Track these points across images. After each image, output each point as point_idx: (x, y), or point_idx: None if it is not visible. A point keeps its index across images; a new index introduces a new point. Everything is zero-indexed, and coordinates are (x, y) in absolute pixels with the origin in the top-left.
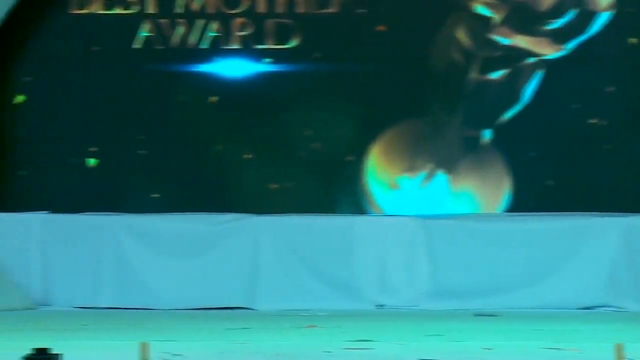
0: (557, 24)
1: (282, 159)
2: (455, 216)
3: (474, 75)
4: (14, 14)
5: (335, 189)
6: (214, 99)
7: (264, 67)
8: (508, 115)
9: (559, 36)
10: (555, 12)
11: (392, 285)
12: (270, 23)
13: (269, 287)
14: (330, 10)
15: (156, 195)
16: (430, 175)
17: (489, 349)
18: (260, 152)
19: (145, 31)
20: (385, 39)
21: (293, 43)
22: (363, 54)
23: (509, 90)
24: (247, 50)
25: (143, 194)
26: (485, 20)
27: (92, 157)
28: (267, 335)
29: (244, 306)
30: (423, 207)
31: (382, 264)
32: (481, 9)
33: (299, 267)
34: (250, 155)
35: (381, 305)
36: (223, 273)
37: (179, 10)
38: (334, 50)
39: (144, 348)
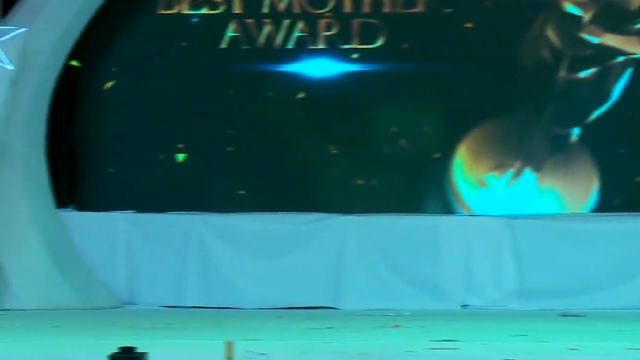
0: None
1: (368, 156)
2: (542, 216)
3: (562, 73)
4: (101, 14)
5: (421, 187)
6: (301, 95)
7: (349, 66)
8: (597, 113)
9: None
10: None
11: (478, 285)
12: (356, 23)
13: (353, 287)
14: (416, 9)
15: (242, 192)
16: (517, 174)
17: (574, 349)
18: (345, 150)
19: (231, 31)
20: (472, 38)
21: (379, 43)
22: (450, 53)
23: (598, 88)
24: (333, 50)
25: (230, 190)
26: (574, 19)
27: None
28: (351, 335)
29: (329, 306)
30: (510, 205)
31: (468, 263)
32: (571, 8)
33: (383, 267)
34: (335, 151)
35: (466, 305)
36: (308, 273)
37: (265, 10)
38: (421, 49)
39: (228, 347)
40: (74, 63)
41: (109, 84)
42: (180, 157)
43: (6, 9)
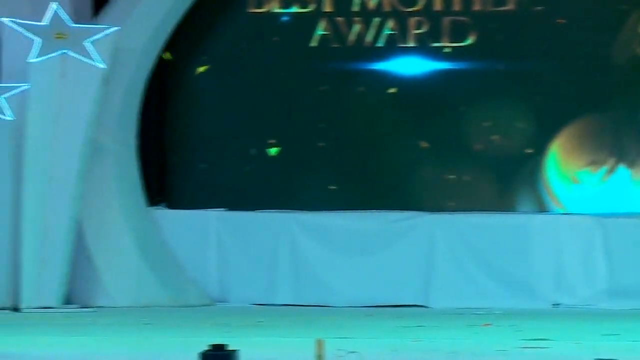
0: None
1: (460, 151)
2: (633, 215)
3: None
4: (192, 13)
5: (513, 182)
6: (392, 90)
7: (440, 64)
8: None
9: None
10: None
11: (569, 284)
12: (446, 21)
13: (443, 286)
14: (506, 7)
15: (333, 187)
16: (611, 170)
17: None
18: (437, 145)
19: (321, 29)
20: (564, 36)
21: (469, 40)
22: (542, 50)
23: None
24: (423, 48)
25: (321, 186)
26: None
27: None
28: (441, 333)
29: (419, 304)
30: (603, 202)
31: (559, 262)
32: None
33: (474, 265)
34: (426, 145)
35: (557, 304)
36: (398, 271)
37: (355, 8)
38: (512, 46)
39: (319, 345)
40: (167, 56)
41: (202, 69)
42: (273, 151)
43: (98, 9)
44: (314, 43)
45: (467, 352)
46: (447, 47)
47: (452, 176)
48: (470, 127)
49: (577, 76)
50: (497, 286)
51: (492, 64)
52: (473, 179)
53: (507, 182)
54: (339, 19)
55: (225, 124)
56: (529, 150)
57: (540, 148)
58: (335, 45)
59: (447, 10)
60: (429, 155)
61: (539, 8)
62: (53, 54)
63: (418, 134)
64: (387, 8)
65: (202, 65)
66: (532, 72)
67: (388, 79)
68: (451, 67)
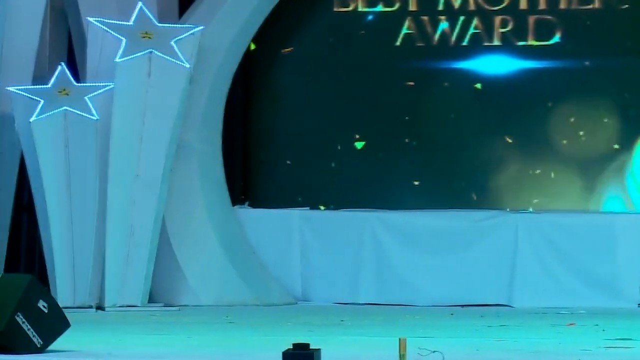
0: None
1: (544, 147)
2: None
3: None
4: (277, 12)
5: (600, 178)
6: (478, 85)
7: (526, 63)
8: None
9: None
10: None
11: None
12: (532, 19)
13: (527, 285)
14: (592, 5)
15: (417, 183)
16: None
17: None
18: (522, 142)
19: (406, 28)
20: None
21: (555, 39)
22: (627, 48)
23: None
24: (509, 46)
25: (405, 182)
26: None
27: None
28: (524, 332)
29: (502, 303)
30: None
31: None
32: None
33: (557, 265)
34: (510, 140)
35: None
36: (481, 270)
37: (440, 7)
38: (597, 45)
39: (402, 344)
40: (252, 47)
41: (288, 50)
42: (359, 145)
43: (184, 8)
44: (398, 42)
45: (550, 351)
46: (532, 45)
47: (537, 171)
48: (556, 124)
49: None
50: (582, 286)
51: (579, 61)
52: (557, 176)
53: (593, 178)
54: (424, 17)
55: (308, 122)
56: (616, 147)
57: (627, 144)
58: (420, 45)
59: (533, 8)
60: (514, 152)
61: (625, 6)
62: (139, 54)
63: (503, 131)
64: (472, 7)
65: (286, 76)
66: (618, 68)
67: (473, 76)
68: (537, 65)
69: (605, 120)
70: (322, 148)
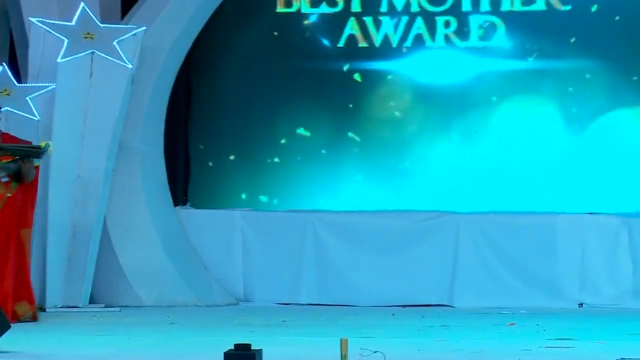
0: None
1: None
2: None
3: None
4: (218, 13)
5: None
6: (420, 84)
7: (468, 64)
8: None
9: None
10: None
11: (594, 284)
12: (474, 20)
13: (468, 285)
14: (535, 7)
15: (359, 179)
16: None
17: None
18: (465, 140)
19: (350, 29)
20: None
21: (499, 40)
22: (571, 49)
23: None
24: (452, 47)
25: (350, 178)
26: None
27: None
28: (466, 332)
29: (444, 304)
30: None
31: (584, 262)
32: None
33: (498, 265)
34: (454, 138)
35: (582, 304)
36: (423, 270)
37: (383, 8)
38: (541, 45)
39: (343, 344)
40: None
41: None
42: (303, 131)
43: (126, 9)
44: (342, 43)
45: (491, 351)
46: (477, 46)
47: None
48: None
49: None
50: (523, 286)
51: (522, 61)
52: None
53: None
54: (367, 18)
55: (251, 120)
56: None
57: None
58: (363, 45)
59: (476, 10)
60: (458, 150)
61: (568, 7)
62: (81, 54)
63: (447, 129)
64: (415, 8)
65: (225, 76)
66: (561, 68)
67: (416, 76)
68: (480, 65)
69: (548, 119)
70: (265, 144)
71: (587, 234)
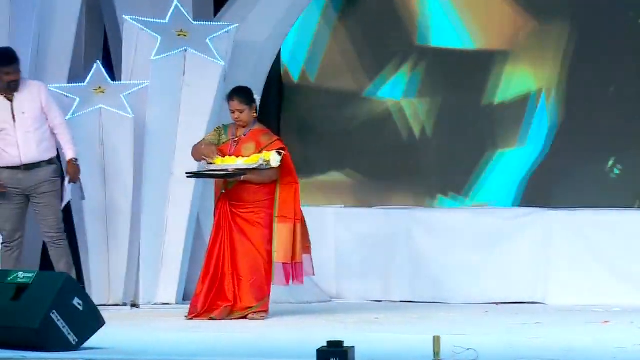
0: None
1: None
2: None
3: None
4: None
5: None
6: None
7: None
8: None
9: None
10: None
11: None
12: None
13: (561, 282)
14: None
15: None
16: None
17: None
18: None
19: None
20: None
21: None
22: None
23: None
24: None
25: None
26: None
27: None
28: (559, 330)
29: (537, 301)
30: None
31: None
32: None
33: (592, 262)
34: None
35: None
36: (516, 267)
37: None
38: None
39: (436, 341)
40: None
41: None
42: None
43: (219, 6)
44: None
45: (584, 348)
46: None
47: None
48: None
49: None
50: (616, 283)
51: None
52: None
53: None
54: None
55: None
56: None
57: None
58: None
59: None
60: None
61: None
62: (174, 52)
63: None
64: None
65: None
66: None
67: None
68: None
69: None
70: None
71: None
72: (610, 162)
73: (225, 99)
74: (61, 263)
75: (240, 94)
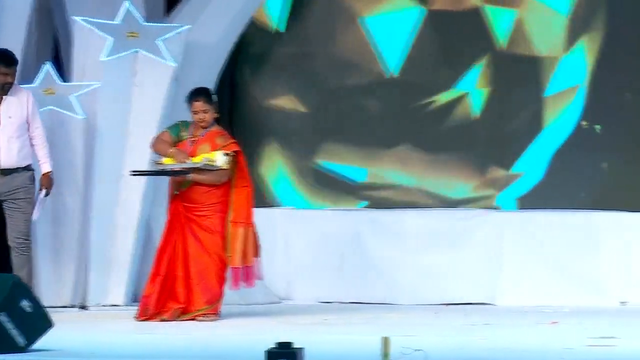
0: None
1: None
2: None
3: None
4: None
5: None
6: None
7: None
8: None
9: None
10: None
11: (637, 282)
12: None
13: (511, 283)
14: None
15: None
16: None
17: None
18: None
19: None
20: None
21: None
22: None
23: None
24: None
25: None
26: None
27: None
28: (508, 331)
29: (485, 302)
30: None
31: (627, 259)
32: None
33: (542, 263)
34: None
35: (625, 302)
36: (466, 268)
37: None
38: None
39: (385, 343)
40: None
41: None
42: None
43: (170, 7)
44: None
45: (533, 350)
46: None
47: None
48: None
49: None
50: (565, 283)
51: None
52: None
53: None
54: None
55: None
56: None
57: None
58: None
59: None
60: None
61: None
62: (125, 53)
63: None
64: None
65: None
66: None
67: None
68: None
69: None
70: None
71: (630, 231)
72: None
73: (185, 100)
74: (22, 271)
75: (205, 94)
